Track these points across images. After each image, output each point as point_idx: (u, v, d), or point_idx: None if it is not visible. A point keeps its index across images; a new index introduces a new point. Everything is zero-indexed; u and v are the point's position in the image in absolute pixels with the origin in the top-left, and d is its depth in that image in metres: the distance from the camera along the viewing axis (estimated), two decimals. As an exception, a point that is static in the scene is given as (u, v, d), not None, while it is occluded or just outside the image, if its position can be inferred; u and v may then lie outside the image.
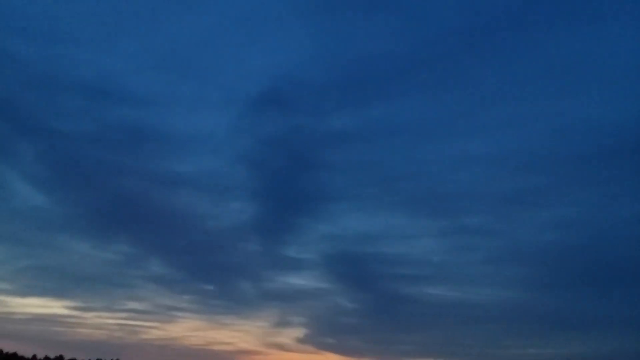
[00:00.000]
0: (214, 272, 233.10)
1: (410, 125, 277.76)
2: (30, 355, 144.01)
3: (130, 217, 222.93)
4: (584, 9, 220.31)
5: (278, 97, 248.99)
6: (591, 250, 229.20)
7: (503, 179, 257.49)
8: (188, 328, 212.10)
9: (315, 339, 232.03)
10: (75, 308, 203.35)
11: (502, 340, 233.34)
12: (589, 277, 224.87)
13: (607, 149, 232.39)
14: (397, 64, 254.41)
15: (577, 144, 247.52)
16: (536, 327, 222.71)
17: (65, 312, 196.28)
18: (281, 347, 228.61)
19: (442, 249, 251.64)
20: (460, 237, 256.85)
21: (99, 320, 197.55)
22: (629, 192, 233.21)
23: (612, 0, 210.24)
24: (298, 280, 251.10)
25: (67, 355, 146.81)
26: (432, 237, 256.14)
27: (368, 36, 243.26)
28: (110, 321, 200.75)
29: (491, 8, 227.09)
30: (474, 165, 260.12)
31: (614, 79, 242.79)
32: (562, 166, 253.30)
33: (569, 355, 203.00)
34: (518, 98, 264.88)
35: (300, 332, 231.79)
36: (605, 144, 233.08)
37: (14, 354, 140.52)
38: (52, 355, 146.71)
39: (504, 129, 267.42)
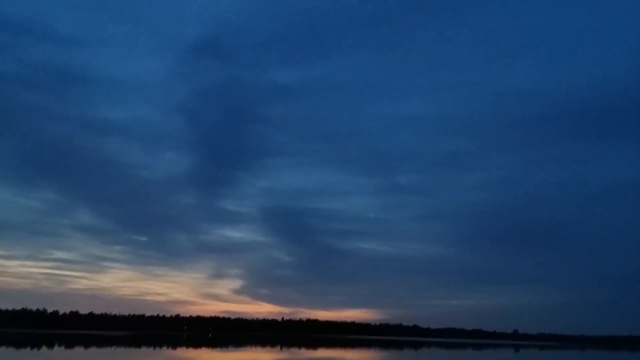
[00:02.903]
0: (147, 223, 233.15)
1: (352, 84, 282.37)
2: None
3: (56, 164, 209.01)
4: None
5: (218, 45, 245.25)
6: (515, 211, 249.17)
7: (437, 140, 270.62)
8: (119, 278, 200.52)
9: (251, 290, 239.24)
10: None
11: (428, 291, 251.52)
12: (512, 236, 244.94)
13: (535, 115, 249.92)
14: (342, 20, 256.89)
15: (508, 109, 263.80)
16: (459, 281, 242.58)
17: None
18: (217, 298, 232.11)
19: (376, 206, 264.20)
20: (394, 195, 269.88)
21: (23, 269, 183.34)
22: (554, 156, 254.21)
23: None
24: (235, 233, 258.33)
25: None
26: (368, 194, 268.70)
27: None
28: (36, 270, 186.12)
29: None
30: (411, 126, 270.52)
31: (545, 47, 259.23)
32: (493, 130, 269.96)
33: (489, 305, 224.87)
34: (456, 61, 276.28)
35: (236, 283, 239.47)
36: (534, 110, 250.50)
37: None
38: None
39: (440, 91, 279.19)
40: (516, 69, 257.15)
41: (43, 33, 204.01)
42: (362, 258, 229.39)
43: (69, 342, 73.26)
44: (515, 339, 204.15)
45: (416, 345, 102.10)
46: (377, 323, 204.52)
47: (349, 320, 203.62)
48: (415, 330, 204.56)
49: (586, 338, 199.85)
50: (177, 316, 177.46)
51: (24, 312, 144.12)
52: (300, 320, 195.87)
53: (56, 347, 62.54)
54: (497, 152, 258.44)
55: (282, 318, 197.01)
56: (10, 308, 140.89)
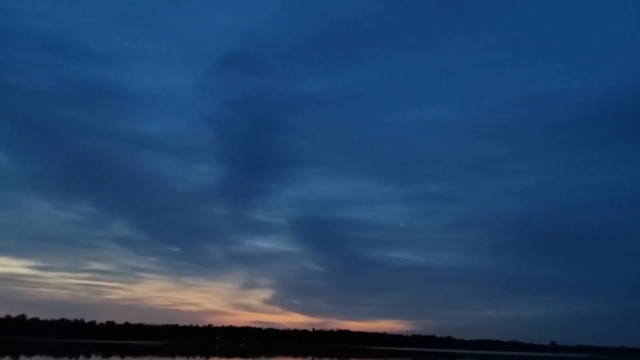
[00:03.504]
0: (180, 234, 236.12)
1: (378, 91, 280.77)
2: None
3: (92, 177, 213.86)
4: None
5: (245, 58, 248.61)
6: (549, 218, 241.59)
7: (467, 146, 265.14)
8: (154, 289, 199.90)
9: (282, 300, 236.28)
10: (36, 267, 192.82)
11: (463, 302, 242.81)
12: (546, 243, 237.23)
13: (567, 119, 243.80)
14: (367, 29, 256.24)
15: (539, 113, 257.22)
16: (494, 291, 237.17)
17: (26, 271, 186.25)
18: (248, 308, 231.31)
19: (406, 214, 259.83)
20: (424, 204, 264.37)
21: (62, 280, 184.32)
22: (587, 161, 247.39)
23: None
24: (265, 244, 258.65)
25: (29, 315, 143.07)
26: (397, 203, 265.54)
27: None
28: (73, 281, 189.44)
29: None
30: (440, 133, 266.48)
31: (578, 51, 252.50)
32: (524, 135, 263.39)
33: (523, 316, 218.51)
34: (484, 66, 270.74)
35: (267, 293, 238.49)
36: (566, 114, 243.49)
37: None
38: (13, 315, 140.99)
39: (470, 97, 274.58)
40: (545, 73, 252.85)
41: (78, 51, 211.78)
42: (392, 268, 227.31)
43: (106, 352, 74.60)
44: (553, 351, 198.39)
45: (450, 357, 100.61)
46: (410, 334, 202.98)
47: (380, 331, 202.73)
48: (449, 341, 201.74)
49: (626, 350, 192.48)
50: (210, 326, 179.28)
51: (63, 322, 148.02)
52: (331, 331, 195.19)
53: (93, 357, 63.83)
54: (527, 157, 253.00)
55: (313, 328, 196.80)
56: (49, 318, 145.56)
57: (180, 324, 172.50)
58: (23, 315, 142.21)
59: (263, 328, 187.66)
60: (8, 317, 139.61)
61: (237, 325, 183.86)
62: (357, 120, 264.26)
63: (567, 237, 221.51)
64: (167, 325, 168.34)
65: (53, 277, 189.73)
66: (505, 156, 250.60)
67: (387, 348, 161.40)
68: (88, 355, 67.65)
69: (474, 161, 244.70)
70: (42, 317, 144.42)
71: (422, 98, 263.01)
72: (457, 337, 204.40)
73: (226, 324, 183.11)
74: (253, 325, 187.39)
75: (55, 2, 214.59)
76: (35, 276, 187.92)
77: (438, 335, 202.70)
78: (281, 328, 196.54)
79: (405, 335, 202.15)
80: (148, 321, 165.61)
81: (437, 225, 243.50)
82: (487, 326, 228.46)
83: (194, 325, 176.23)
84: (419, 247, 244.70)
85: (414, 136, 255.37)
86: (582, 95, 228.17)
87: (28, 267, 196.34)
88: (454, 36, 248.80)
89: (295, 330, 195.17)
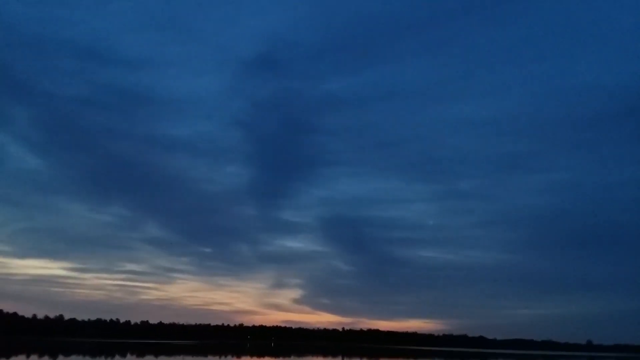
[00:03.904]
0: (211, 235, 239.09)
1: (405, 89, 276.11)
2: (30, 315, 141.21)
3: (126, 180, 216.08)
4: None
5: (272, 59, 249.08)
6: (582, 214, 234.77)
7: (497, 143, 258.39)
8: (186, 289, 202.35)
9: (311, 300, 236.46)
10: (73, 269, 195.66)
11: (495, 301, 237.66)
12: (580, 239, 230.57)
13: (600, 112, 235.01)
14: (392, 26, 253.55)
15: (570, 107, 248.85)
16: (527, 289, 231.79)
17: (64, 273, 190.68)
18: (278, 308, 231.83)
19: (436, 212, 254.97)
20: (454, 201, 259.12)
21: (98, 281, 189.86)
22: (621, 156, 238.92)
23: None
24: (294, 243, 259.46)
25: (66, 315, 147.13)
26: (427, 201, 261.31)
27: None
28: (109, 282, 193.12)
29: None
30: (469, 129, 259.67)
31: (609, 43, 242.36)
32: (555, 130, 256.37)
33: (560, 315, 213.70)
34: (513, 61, 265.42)
35: (296, 293, 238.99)
36: (599, 108, 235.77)
37: (14, 314, 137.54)
38: (52, 315, 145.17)
39: (499, 93, 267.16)
40: (577, 66, 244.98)
41: (110, 57, 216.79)
42: (423, 266, 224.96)
43: (141, 352, 76.44)
44: (590, 351, 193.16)
45: (483, 357, 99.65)
46: (441, 334, 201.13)
47: (411, 330, 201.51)
48: (481, 341, 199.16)
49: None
50: (241, 325, 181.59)
51: (99, 322, 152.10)
52: (361, 330, 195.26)
53: (129, 357, 65.51)
54: (560, 153, 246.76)
55: (343, 328, 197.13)
56: (86, 318, 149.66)
57: (212, 324, 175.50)
58: (61, 316, 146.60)
59: (293, 327, 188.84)
60: (47, 318, 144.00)
61: (267, 325, 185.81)
62: (384, 119, 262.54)
63: (603, 233, 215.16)
64: (199, 324, 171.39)
65: (89, 278, 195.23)
66: (537, 152, 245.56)
67: (418, 348, 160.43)
68: (123, 354, 69.45)
69: (504, 157, 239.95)
70: (79, 318, 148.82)
71: (450, 95, 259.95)
72: (490, 336, 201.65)
73: (257, 324, 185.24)
74: (283, 325, 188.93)
75: (87, 11, 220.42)
76: (73, 277, 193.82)
77: (470, 334, 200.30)
78: (311, 327, 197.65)
79: (436, 334, 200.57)
80: (181, 321, 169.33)
81: (468, 222, 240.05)
82: (521, 325, 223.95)
83: (225, 324, 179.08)
84: (449, 245, 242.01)
85: (443, 134, 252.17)
86: (614, 89, 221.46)
87: (65, 268, 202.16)
88: (481, 32, 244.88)
89: (325, 329, 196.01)
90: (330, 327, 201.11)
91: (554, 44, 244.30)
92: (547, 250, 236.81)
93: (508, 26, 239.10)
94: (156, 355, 65.43)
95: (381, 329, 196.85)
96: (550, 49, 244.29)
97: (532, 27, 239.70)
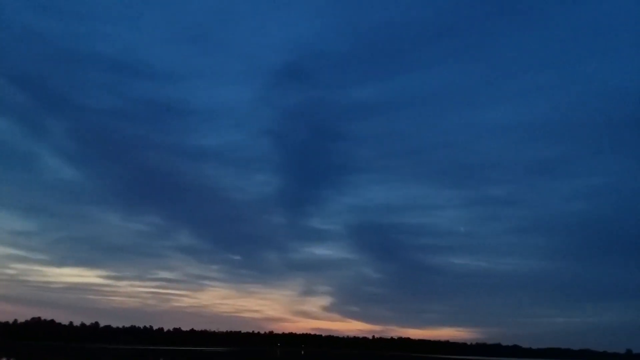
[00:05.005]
0: (240, 242, 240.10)
1: (433, 95, 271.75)
2: (67, 323, 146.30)
3: (158, 190, 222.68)
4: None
5: (300, 69, 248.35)
6: (618, 219, 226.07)
7: (529, 147, 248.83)
8: (217, 296, 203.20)
9: (341, 308, 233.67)
10: (108, 277, 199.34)
11: (530, 309, 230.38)
12: (617, 246, 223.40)
13: (633, 116, 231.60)
14: (419, 33, 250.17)
15: (604, 110, 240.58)
16: (564, 296, 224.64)
17: (99, 281, 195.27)
18: (307, 315, 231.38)
19: (466, 219, 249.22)
20: (485, 207, 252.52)
21: (132, 289, 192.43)
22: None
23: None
24: (323, 251, 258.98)
25: (102, 322, 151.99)
26: (457, 207, 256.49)
27: (389, 4, 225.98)
28: (143, 290, 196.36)
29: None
30: (499, 134, 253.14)
31: None
32: (589, 133, 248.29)
33: (598, 323, 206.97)
34: (544, 64, 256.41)
35: (325, 300, 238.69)
36: (632, 111, 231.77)
37: (52, 322, 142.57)
38: (87, 323, 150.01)
39: (530, 96, 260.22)
40: (610, 68, 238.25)
41: (142, 70, 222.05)
42: (454, 274, 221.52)
43: (173, 358, 76.99)
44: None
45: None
46: (474, 342, 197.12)
47: (442, 339, 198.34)
48: (515, 350, 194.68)
49: None
50: (271, 333, 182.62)
51: (133, 329, 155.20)
52: (392, 339, 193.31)
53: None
54: (593, 157, 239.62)
55: (373, 336, 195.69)
56: (120, 325, 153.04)
57: (243, 331, 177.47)
58: (97, 323, 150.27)
59: (323, 335, 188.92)
60: (83, 325, 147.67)
61: (297, 332, 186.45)
62: (413, 125, 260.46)
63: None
64: (230, 331, 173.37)
65: (124, 285, 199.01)
66: (570, 156, 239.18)
67: (450, 357, 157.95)
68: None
69: (536, 162, 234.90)
70: (114, 325, 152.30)
71: (480, 100, 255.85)
72: (525, 345, 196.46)
73: (286, 331, 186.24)
74: (312, 333, 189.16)
75: (119, 24, 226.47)
76: (108, 285, 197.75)
77: (504, 343, 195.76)
78: (341, 335, 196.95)
79: (468, 343, 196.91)
80: (212, 328, 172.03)
81: (500, 229, 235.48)
82: (556, 334, 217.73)
83: (256, 332, 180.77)
84: (480, 252, 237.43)
85: (473, 139, 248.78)
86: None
87: (101, 276, 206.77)
88: (510, 35, 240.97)
89: (355, 337, 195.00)
90: (360, 335, 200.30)
91: (586, 46, 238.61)
92: (582, 256, 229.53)
93: (536, 30, 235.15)
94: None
95: (412, 337, 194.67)
96: (581, 51, 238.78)
97: (561, 30, 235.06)
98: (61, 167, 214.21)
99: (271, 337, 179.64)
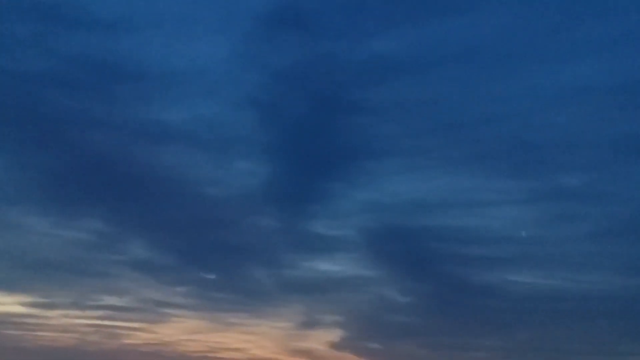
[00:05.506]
0: (216, 255, 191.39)
1: (483, 48, 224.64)
2: None
3: (103, 183, 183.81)
4: None
5: (297, 14, 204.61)
6: None
7: (619, 120, 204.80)
8: (184, 330, 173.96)
9: (356, 344, 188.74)
10: (34, 305, 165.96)
11: (617, 343, 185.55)
12: None
13: None
14: None
15: None
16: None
17: (21, 310, 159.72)
18: (309, 355, 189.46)
19: (531, 220, 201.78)
20: (556, 203, 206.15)
21: (67, 321, 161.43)
22: None
23: None
24: (330, 266, 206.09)
25: None
26: (518, 203, 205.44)
27: None
28: (82, 321, 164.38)
29: None
30: (579, 102, 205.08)
31: None
32: None
33: None
34: (635, 5, 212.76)
35: (334, 334, 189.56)
36: None
37: None
38: None
39: (623, 49, 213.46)
40: None
41: (79, 19, 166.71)
42: (512, 296, 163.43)
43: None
44: None
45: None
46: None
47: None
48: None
49: None
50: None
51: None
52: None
53: None
54: None
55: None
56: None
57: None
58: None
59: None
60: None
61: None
62: (455, 90, 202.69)
63: None
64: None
65: (55, 316, 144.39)
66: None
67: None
68: None
69: (630, 140, 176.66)
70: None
71: (550, 55, 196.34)
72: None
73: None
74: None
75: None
76: (34, 316, 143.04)
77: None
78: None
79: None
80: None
81: (578, 233, 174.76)
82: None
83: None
84: (550, 267, 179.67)
85: (540, 109, 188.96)
86: None
87: (24, 304, 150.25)
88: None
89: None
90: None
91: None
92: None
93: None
94: None
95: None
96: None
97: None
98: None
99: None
